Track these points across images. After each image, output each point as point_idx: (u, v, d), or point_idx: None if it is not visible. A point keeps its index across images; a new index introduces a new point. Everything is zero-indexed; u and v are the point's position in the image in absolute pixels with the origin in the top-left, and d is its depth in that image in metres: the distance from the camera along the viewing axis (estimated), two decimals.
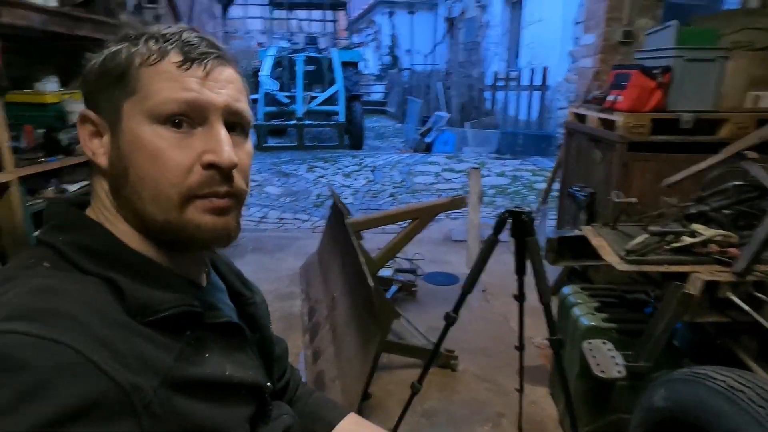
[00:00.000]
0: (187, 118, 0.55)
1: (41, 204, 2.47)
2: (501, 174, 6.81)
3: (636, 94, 2.43)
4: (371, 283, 1.58)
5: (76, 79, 3.31)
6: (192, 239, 0.57)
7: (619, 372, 1.39)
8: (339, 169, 7.19)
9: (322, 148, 8.76)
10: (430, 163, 7.58)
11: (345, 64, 9.27)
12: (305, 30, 15.22)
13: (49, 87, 2.97)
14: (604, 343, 1.51)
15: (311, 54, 9.39)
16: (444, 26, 14.49)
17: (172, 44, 0.56)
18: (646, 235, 1.48)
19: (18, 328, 0.43)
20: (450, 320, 1.46)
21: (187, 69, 0.56)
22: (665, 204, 1.61)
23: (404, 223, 2.69)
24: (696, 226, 1.49)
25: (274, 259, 3.67)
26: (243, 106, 0.60)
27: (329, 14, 12.07)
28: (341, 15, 12.75)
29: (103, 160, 0.58)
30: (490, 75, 9.32)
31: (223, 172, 0.56)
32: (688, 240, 1.45)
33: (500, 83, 9.02)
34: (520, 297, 1.49)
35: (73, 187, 2.68)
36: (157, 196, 0.55)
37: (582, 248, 1.76)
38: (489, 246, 1.34)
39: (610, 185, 2.52)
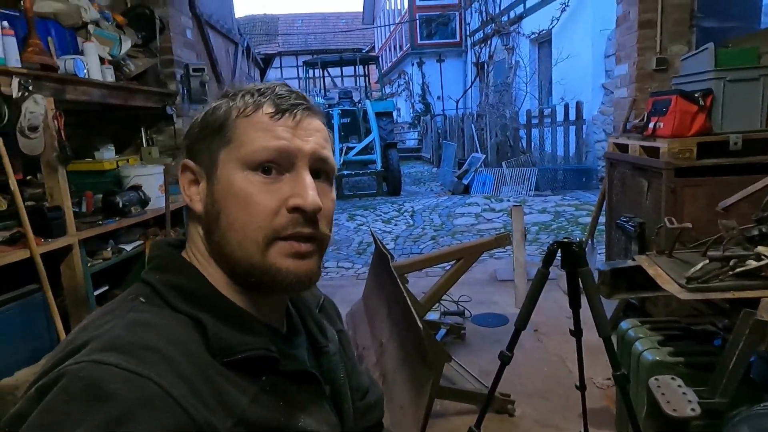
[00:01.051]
0: (276, 164, 0.59)
1: (100, 264, 2.60)
2: (543, 211, 6.69)
3: (678, 119, 2.38)
4: (420, 325, 1.56)
5: (131, 145, 3.54)
6: (274, 282, 0.59)
7: (693, 410, 1.29)
8: (378, 215, 7.26)
9: (361, 197, 8.89)
10: (469, 204, 7.55)
11: (379, 114, 9.52)
12: (339, 86, 15.83)
13: (107, 155, 3.19)
14: (673, 378, 1.41)
15: (346, 107, 9.72)
16: (473, 70, 14.77)
17: (265, 97, 0.61)
18: (707, 261, 1.41)
19: (110, 360, 0.47)
20: (505, 359, 1.41)
21: (279, 119, 0.60)
22: (724, 227, 1.54)
23: (447, 266, 2.67)
24: (761, 249, 1.41)
25: None
26: (328, 153, 0.64)
27: (361, 69, 12.55)
28: (372, 68, 13.23)
29: (198, 206, 0.62)
30: (523, 114, 9.35)
31: (307, 216, 0.59)
32: (753, 263, 1.37)
33: (534, 121, 9.03)
34: (576, 332, 1.42)
35: (128, 247, 2.81)
36: (243, 239, 0.58)
37: (637, 279, 1.69)
38: (540, 279, 1.31)
39: (660, 213, 2.44)
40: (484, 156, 8.93)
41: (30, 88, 2.10)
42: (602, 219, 3.50)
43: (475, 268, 4.45)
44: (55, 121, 2.25)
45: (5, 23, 2.07)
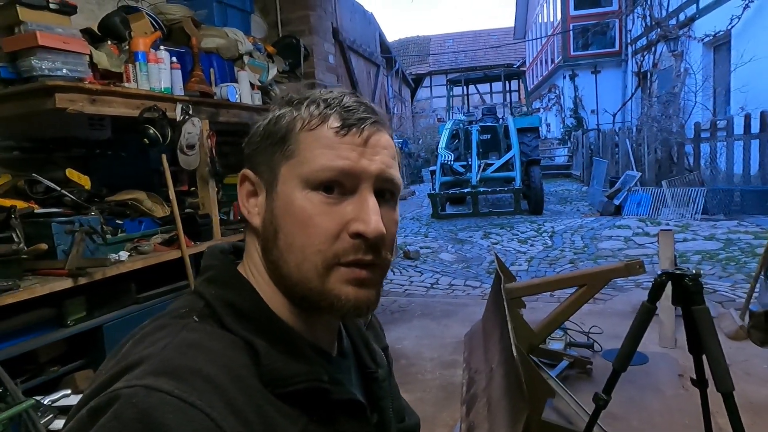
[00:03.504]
0: (339, 185, 0.56)
1: None
2: (710, 238, 5.80)
3: None
4: (515, 351, 1.45)
5: None
6: (331, 308, 0.57)
7: None
8: (515, 235, 6.97)
9: (498, 215, 8.64)
10: (619, 227, 6.86)
11: (523, 130, 9.20)
12: (487, 102, 15.70)
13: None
14: None
15: (486, 123, 9.58)
16: (634, 81, 13.50)
17: (332, 109, 0.58)
18: None
19: (163, 387, 0.46)
20: (599, 403, 1.24)
21: (345, 135, 0.57)
22: None
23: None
24: None
25: (441, 326, 3.64)
26: (394, 173, 0.60)
27: (509, 85, 12.31)
28: (521, 83, 12.89)
29: (256, 220, 0.60)
30: (690, 127, 8.24)
31: (370, 242, 0.56)
32: None
33: (704, 134, 7.90)
34: (699, 382, 1.20)
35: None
36: (302, 262, 0.56)
37: None
38: (643, 315, 1.13)
39: None
40: (640, 174, 8.06)
41: (189, 112, 2.47)
42: None
43: (615, 297, 4.04)
44: (209, 140, 2.60)
45: (174, 59, 2.45)
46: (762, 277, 3.06)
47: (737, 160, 7.46)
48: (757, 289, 3.12)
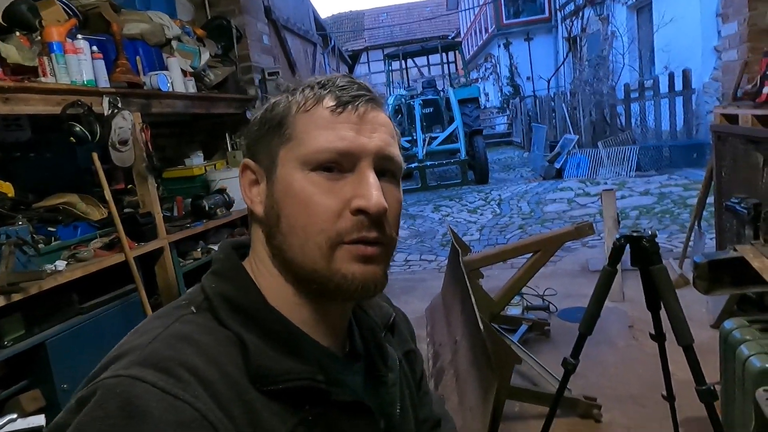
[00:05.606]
0: (338, 164, 0.56)
1: (191, 264, 2.80)
2: (645, 193, 6.13)
3: None
4: (481, 325, 1.47)
5: (218, 151, 3.76)
6: (338, 289, 0.56)
7: None
8: (464, 205, 7.10)
9: (446, 187, 8.76)
10: (562, 189, 7.12)
11: (463, 101, 9.29)
12: (426, 75, 15.70)
13: (196, 161, 3.41)
14: None
15: (428, 97, 9.60)
16: (565, 46, 13.90)
17: (326, 90, 0.58)
18: None
19: (147, 378, 0.46)
20: (569, 367, 1.28)
21: (341, 113, 0.56)
22: None
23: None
24: None
25: (401, 302, 3.66)
26: (394, 150, 0.59)
27: (446, 56, 12.34)
28: (458, 55, 12.97)
29: (259, 209, 0.60)
30: (620, 88, 8.61)
31: (372, 218, 0.55)
32: None
33: (634, 95, 8.28)
34: (658, 336, 1.25)
35: (216, 248, 2.99)
36: (305, 243, 0.55)
37: (747, 271, 1.45)
38: (606, 278, 1.16)
39: None
40: (578, 137, 8.38)
41: (119, 105, 2.29)
42: (711, 200, 3.11)
43: (565, 258, 4.20)
44: (143, 134, 2.44)
45: (95, 48, 2.26)
46: (696, 227, 3.27)
47: (664, 117, 7.89)
48: (692, 240, 3.33)
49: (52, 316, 1.95)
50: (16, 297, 1.72)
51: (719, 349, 1.56)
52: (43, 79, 2.01)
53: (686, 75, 7.53)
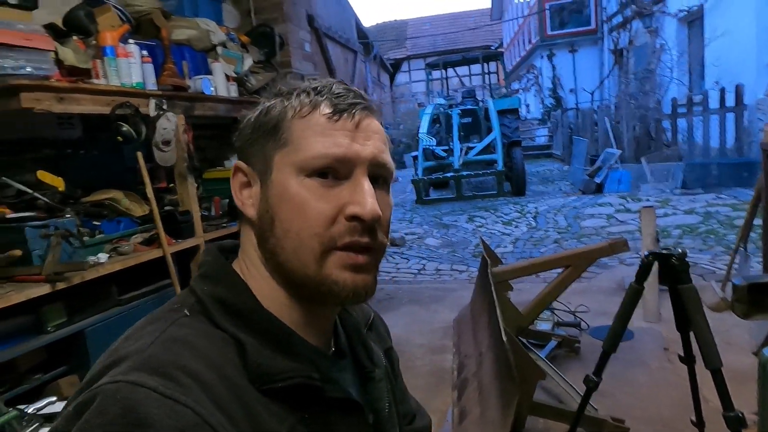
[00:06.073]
0: (333, 171, 0.57)
1: None
2: (690, 211, 5.90)
3: None
4: (504, 337, 1.45)
5: None
6: (330, 295, 0.57)
7: None
8: (499, 217, 7.01)
9: (482, 197, 8.67)
10: (601, 204, 6.94)
11: (503, 112, 9.20)
12: (467, 85, 15.64)
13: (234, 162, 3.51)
14: None
15: (467, 107, 9.56)
16: (611, 58, 13.59)
17: (322, 96, 0.58)
18: None
19: (147, 383, 0.46)
20: (590, 385, 1.25)
21: (337, 120, 0.57)
22: None
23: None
24: None
25: (429, 311, 3.65)
26: (387, 158, 0.60)
27: (487, 67, 12.27)
28: (499, 65, 12.87)
29: (251, 211, 0.60)
30: (667, 103, 8.33)
31: (366, 225, 0.56)
32: None
33: (681, 110, 8.00)
34: (687, 358, 1.21)
35: None
36: (299, 247, 0.56)
37: None
38: (631, 296, 1.13)
39: None
40: (620, 151, 8.15)
41: (164, 107, 2.40)
42: (758, 222, 2.97)
43: (600, 275, 4.09)
44: (185, 135, 2.54)
45: (144, 52, 2.38)
46: (741, 248, 3.12)
47: (713, 134, 7.58)
48: (736, 262, 3.18)
49: (92, 306, 2.04)
50: (60, 286, 1.82)
51: (757, 377, 1.49)
52: (95, 80, 2.12)
53: (738, 90, 7.23)
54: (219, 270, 0.60)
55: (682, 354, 1.27)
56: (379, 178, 0.59)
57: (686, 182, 7.20)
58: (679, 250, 1.06)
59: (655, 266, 1.13)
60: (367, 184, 0.56)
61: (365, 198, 0.55)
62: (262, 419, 0.50)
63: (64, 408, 0.49)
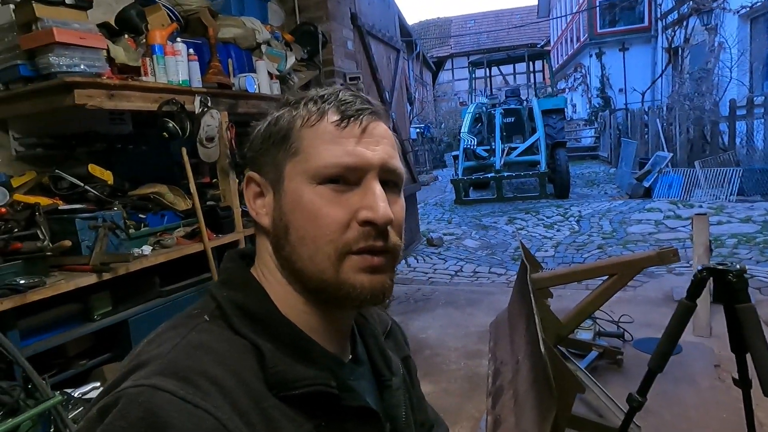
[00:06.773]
0: (344, 177, 0.58)
1: None
2: (747, 220, 5.58)
3: None
4: (542, 346, 1.40)
5: None
6: (347, 298, 0.57)
7: None
8: (540, 220, 6.84)
9: (523, 199, 8.48)
10: (649, 210, 6.65)
11: (548, 112, 8.98)
12: (511, 84, 15.37)
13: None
14: None
15: (510, 106, 9.37)
16: (664, 57, 13.01)
17: (329, 104, 0.59)
18: None
19: (168, 387, 0.47)
20: (634, 404, 1.18)
21: (345, 127, 0.58)
22: None
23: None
24: None
25: (465, 315, 3.60)
26: (396, 163, 0.61)
27: (532, 65, 12.00)
28: (545, 64, 12.56)
29: (265, 220, 0.61)
30: (725, 104, 7.90)
31: (379, 229, 0.57)
32: None
33: (740, 112, 7.57)
34: (742, 382, 1.12)
35: None
36: (314, 253, 0.57)
37: None
38: (682, 314, 1.06)
39: None
40: (672, 155, 7.79)
41: (208, 104, 2.45)
42: None
43: (648, 284, 3.92)
44: (228, 132, 2.58)
45: (191, 50, 2.43)
46: None
47: None
48: None
49: (136, 297, 2.11)
50: (106, 276, 1.88)
51: None
52: (144, 78, 2.19)
53: None
54: (239, 276, 0.62)
55: (735, 376, 1.19)
56: (389, 181, 0.60)
57: (743, 189, 6.81)
58: (737, 266, 0.98)
59: (710, 282, 1.05)
60: (378, 189, 0.57)
61: (377, 203, 0.56)
62: (279, 425, 0.51)
63: (88, 410, 0.50)
